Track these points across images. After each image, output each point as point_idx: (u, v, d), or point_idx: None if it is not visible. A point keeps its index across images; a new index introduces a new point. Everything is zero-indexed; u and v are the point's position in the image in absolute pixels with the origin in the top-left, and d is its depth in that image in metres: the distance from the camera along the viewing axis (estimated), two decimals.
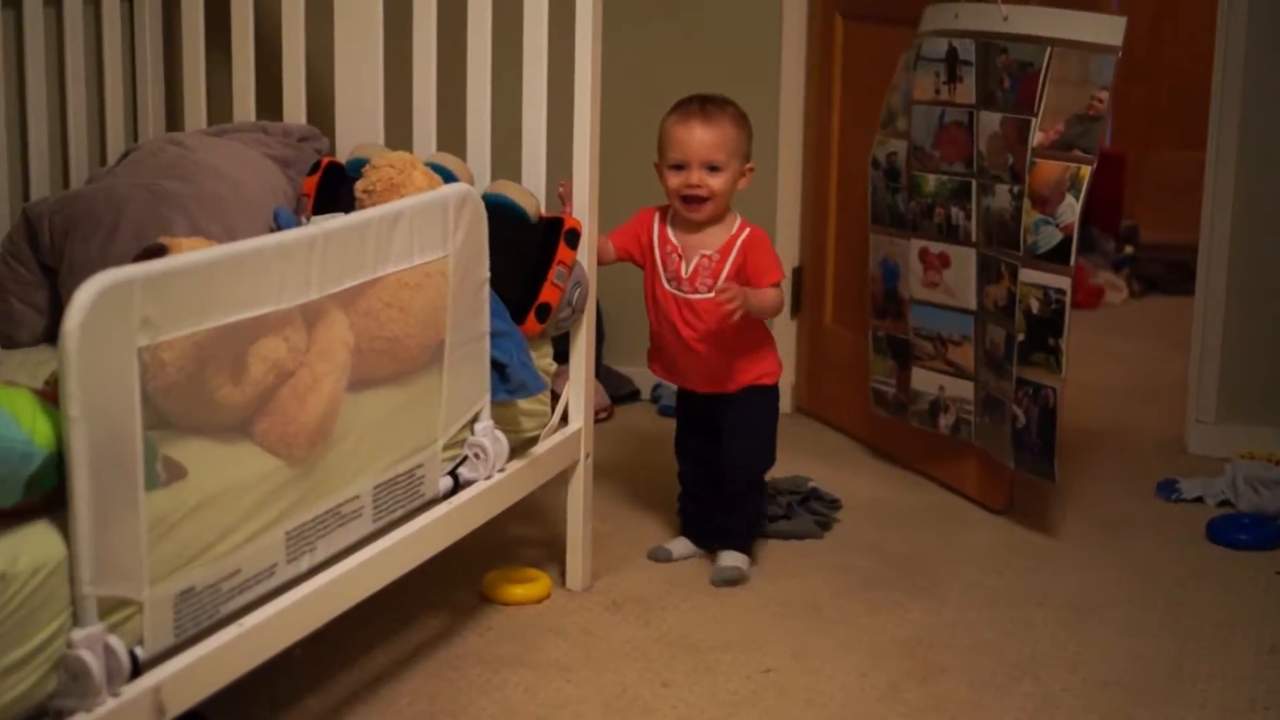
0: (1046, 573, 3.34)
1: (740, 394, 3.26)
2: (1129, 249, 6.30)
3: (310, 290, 2.27)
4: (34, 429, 1.87)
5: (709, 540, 3.35)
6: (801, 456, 3.98)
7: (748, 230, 3.20)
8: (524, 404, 2.92)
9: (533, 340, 2.97)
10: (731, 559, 3.27)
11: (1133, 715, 2.70)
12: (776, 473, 3.66)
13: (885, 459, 4.04)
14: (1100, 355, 5.08)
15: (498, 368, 2.81)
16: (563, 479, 3.14)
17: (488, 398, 2.78)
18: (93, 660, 1.90)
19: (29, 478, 1.87)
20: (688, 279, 3.18)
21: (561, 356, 3.15)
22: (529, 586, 3.13)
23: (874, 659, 2.91)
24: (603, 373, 4.40)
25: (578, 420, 3.15)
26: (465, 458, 2.77)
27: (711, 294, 3.14)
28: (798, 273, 4.43)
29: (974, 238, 3.58)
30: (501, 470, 2.84)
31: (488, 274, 2.73)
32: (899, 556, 3.42)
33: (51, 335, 2.86)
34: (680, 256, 3.19)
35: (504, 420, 2.86)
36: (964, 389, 3.68)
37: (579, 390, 3.15)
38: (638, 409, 4.42)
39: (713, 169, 3.12)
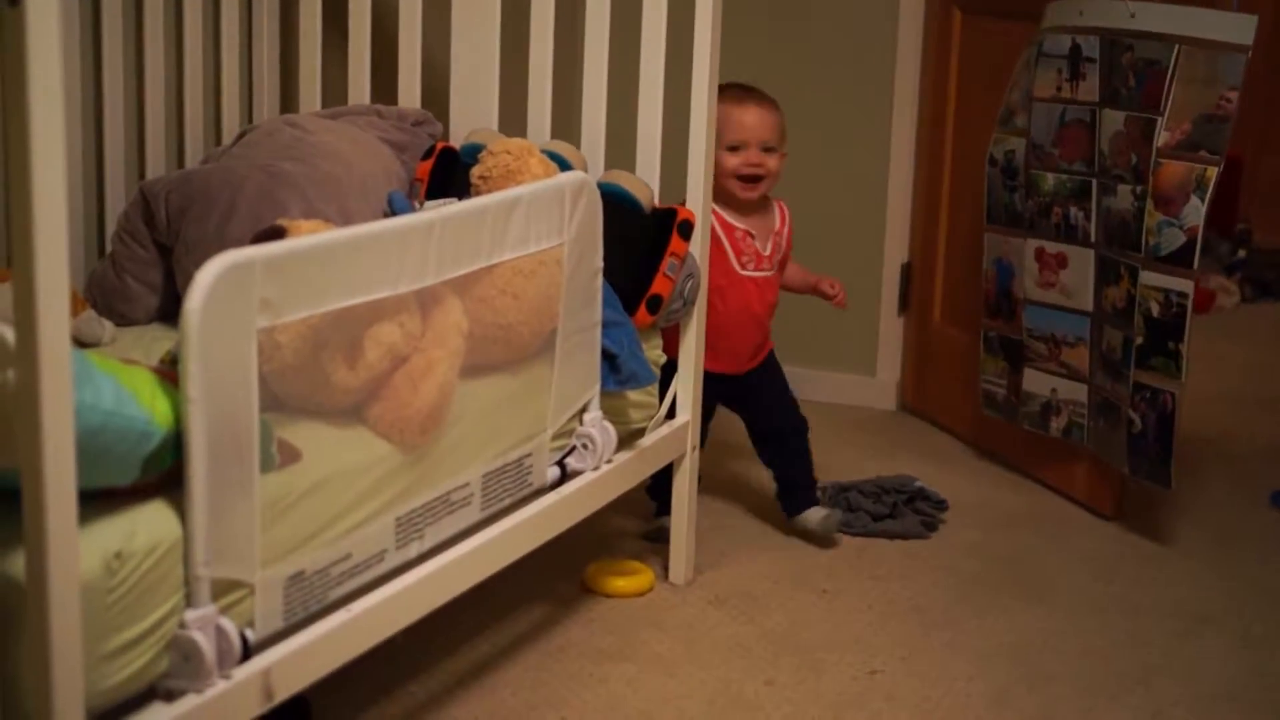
0: (1157, 581, 3.27)
1: (766, 359, 3.43)
2: (1242, 252, 6.19)
3: (427, 275, 2.26)
4: (153, 408, 1.86)
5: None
6: (907, 456, 3.94)
7: (784, 205, 3.41)
8: (633, 395, 2.89)
9: (643, 331, 2.95)
10: (820, 512, 3.38)
11: None
12: (880, 471, 3.63)
13: (992, 460, 3.99)
14: (1212, 360, 4.98)
15: (608, 358, 2.79)
16: (668, 472, 3.12)
17: (598, 388, 2.76)
18: (205, 641, 1.90)
19: (146, 457, 1.86)
20: (768, 257, 3.32)
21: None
22: (632, 579, 3.11)
23: (982, 664, 2.86)
24: None
25: (685, 413, 3.12)
26: (573, 448, 2.75)
27: (774, 270, 3.35)
28: (906, 269, 4.38)
29: (1093, 238, 3.51)
30: (609, 461, 2.82)
31: (601, 263, 2.70)
32: (1006, 559, 3.36)
33: (164, 314, 2.89)
34: (754, 237, 3.30)
35: (613, 411, 2.83)
36: (1078, 391, 3.62)
37: (687, 383, 3.12)
38: None
39: (768, 149, 3.26)
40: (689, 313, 3.09)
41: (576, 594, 3.08)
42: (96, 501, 1.82)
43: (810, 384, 4.29)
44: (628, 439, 2.92)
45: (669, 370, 3.10)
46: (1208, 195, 3.21)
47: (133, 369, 1.92)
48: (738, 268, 3.27)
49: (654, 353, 3.01)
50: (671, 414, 3.11)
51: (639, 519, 3.43)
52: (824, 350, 4.43)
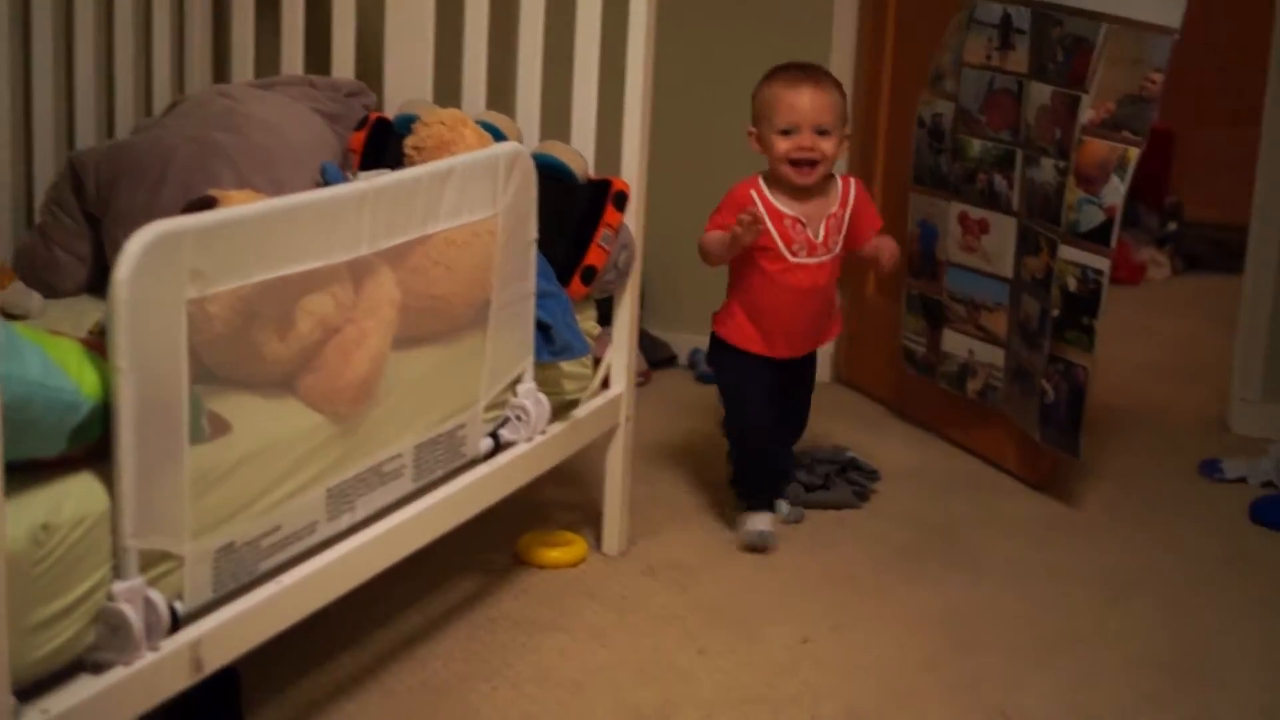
0: (1086, 549, 3.32)
1: (812, 352, 3.41)
2: (1173, 225, 6.25)
3: (359, 246, 2.25)
4: (81, 379, 1.85)
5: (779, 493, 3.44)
6: (840, 425, 3.96)
7: (852, 180, 3.28)
8: (567, 366, 2.90)
9: (577, 303, 2.95)
10: (784, 506, 3.41)
11: (1171, 694, 2.68)
12: (814, 442, 3.65)
13: (924, 429, 4.02)
14: (1142, 332, 5.05)
15: (542, 329, 2.79)
16: (600, 443, 3.13)
17: (531, 359, 2.76)
18: (133, 613, 1.89)
19: (74, 428, 1.86)
20: (822, 243, 3.21)
21: (604, 320, 3.13)
22: (565, 550, 3.12)
23: (912, 631, 2.89)
24: (640, 337, 4.37)
25: (620, 384, 3.13)
26: (507, 419, 2.75)
27: (835, 251, 3.24)
28: None
29: (1015, 207, 3.55)
30: (543, 433, 2.82)
31: (535, 234, 2.71)
32: (937, 528, 3.40)
33: (94, 285, 2.87)
34: (804, 224, 3.19)
35: (546, 382, 2.84)
36: (994, 355, 3.66)
37: (621, 354, 3.13)
38: (674, 375, 4.41)
39: (823, 133, 3.13)
40: (623, 284, 3.09)
41: (509, 565, 3.09)
42: (23, 473, 1.81)
43: None
44: (561, 410, 2.93)
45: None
46: (1128, 175, 3.24)
47: (60, 340, 1.91)
48: (788, 255, 3.19)
49: (587, 324, 3.01)
50: (606, 385, 3.12)
51: (571, 490, 3.44)
52: None
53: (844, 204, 3.23)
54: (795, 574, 3.13)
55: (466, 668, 2.68)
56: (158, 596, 1.93)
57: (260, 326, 2.17)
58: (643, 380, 4.22)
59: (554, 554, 3.11)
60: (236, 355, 2.16)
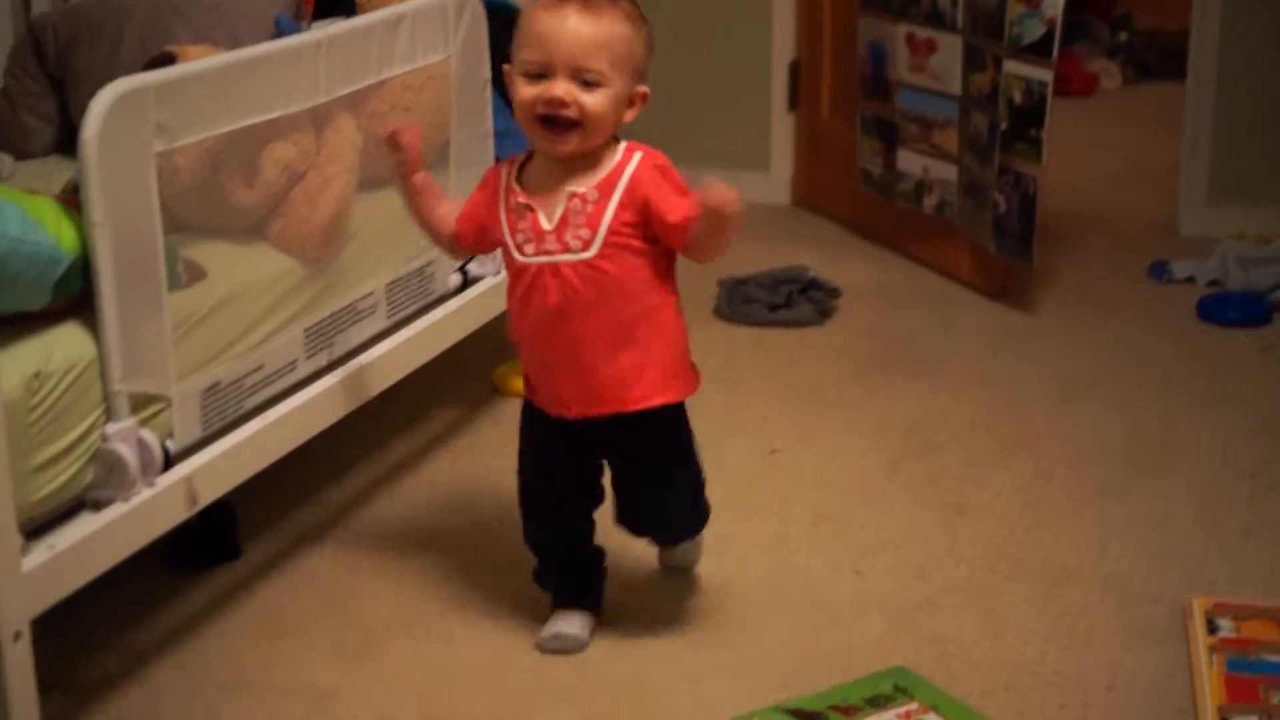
0: (1040, 354, 3.43)
1: (646, 416, 2.21)
2: (1123, 35, 6.29)
3: (318, 94, 2.32)
4: (59, 234, 1.94)
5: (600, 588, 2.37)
6: (800, 247, 4.05)
7: (638, 155, 2.14)
8: None
9: None
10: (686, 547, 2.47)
11: (1123, 485, 2.80)
12: (775, 264, 3.73)
13: (882, 247, 4.11)
14: (1094, 142, 5.12)
15: None
16: None
17: None
18: (127, 452, 2.00)
19: (56, 281, 1.94)
20: (553, 232, 2.11)
21: None
22: None
23: (875, 438, 3.01)
24: None
25: None
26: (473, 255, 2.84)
27: (590, 252, 2.10)
28: (795, 66, 4.46)
29: (960, 25, 3.61)
30: None
31: (489, 74, 2.77)
32: (897, 341, 3.50)
33: (61, 145, 2.93)
34: (531, 208, 2.13)
35: None
36: (948, 171, 3.75)
37: None
38: None
39: (588, 83, 2.07)
40: None
41: (486, 395, 3.19)
42: (12, 326, 1.90)
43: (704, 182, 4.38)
44: None
45: None
46: None
47: (36, 198, 1.99)
48: (515, 253, 2.14)
49: None
50: None
51: None
52: (718, 149, 4.50)
53: (608, 187, 2.11)
54: (762, 390, 3.24)
55: (451, 491, 2.79)
56: (150, 436, 2.04)
57: (227, 176, 2.25)
58: None
59: (516, 384, 3.20)
60: (206, 205, 2.24)
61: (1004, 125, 3.48)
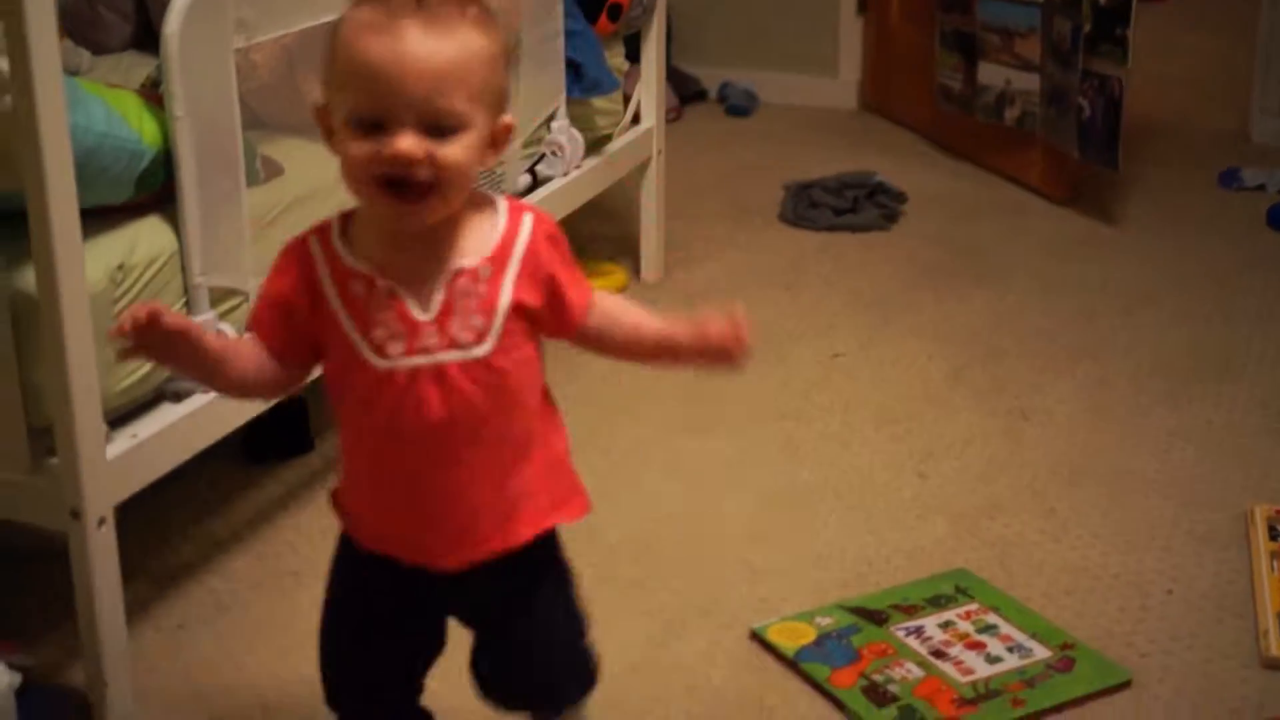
0: (1107, 262, 3.43)
1: (529, 548, 1.60)
2: None
3: None
4: (142, 128, 1.96)
5: None
6: (868, 153, 4.05)
7: (528, 217, 1.55)
8: (598, 102, 2.99)
9: (605, 39, 3.03)
10: None
11: (1184, 394, 2.81)
12: (841, 168, 3.73)
13: (950, 154, 4.10)
14: (1169, 48, 5.07)
15: (572, 66, 2.88)
16: (634, 177, 3.23)
17: (563, 95, 2.85)
18: None
19: (139, 175, 1.97)
20: (434, 324, 1.50)
21: (633, 56, 3.21)
22: (607, 279, 3.25)
23: (939, 344, 3.02)
24: (670, 73, 4.44)
25: (650, 119, 3.22)
26: (543, 155, 2.86)
27: (485, 347, 1.51)
28: None
29: None
30: (578, 167, 2.93)
31: None
32: (963, 247, 3.51)
33: (138, 41, 2.96)
34: (394, 294, 1.50)
35: (579, 119, 2.94)
36: (1030, 82, 3.73)
37: (650, 89, 3.22)
38: (705, 109, 4.48)
39: (441, 130, 1.43)
40: (649, 19, 3.16)
41: None
42: (96, 218, 1.93)
43: (772, 86, 4.38)
44: (595, 146, 3.03)
45: None
46: None
47: (119, 92, 2.02)
48: (371, 357, 1.50)
49: (616, 60, 3.09)
50: (637, 120, 3.22)
51: (609, 224, 3.56)
52: (786, 53, 4.49)
53: (503, 255, 1.52)
54: (827, 295, 3.26)
55: None
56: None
57: (303, 74, 2.27)
58: (674, 116, 4.30)
59: (597, 283, 3.18)
60: (284, 102, 2.27)
61: (1088, 27, 3.45)
